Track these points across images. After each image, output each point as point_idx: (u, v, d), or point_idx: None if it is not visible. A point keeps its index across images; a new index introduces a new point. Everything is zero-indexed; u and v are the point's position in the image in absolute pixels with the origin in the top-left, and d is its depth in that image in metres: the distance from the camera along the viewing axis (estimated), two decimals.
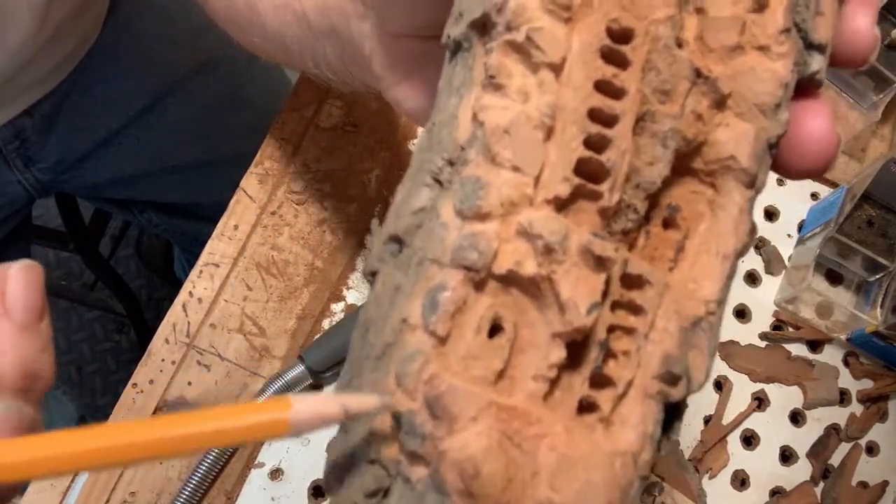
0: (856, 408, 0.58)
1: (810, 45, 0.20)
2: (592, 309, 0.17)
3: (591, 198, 0.18)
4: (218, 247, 0.53)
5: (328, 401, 0.18)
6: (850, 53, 0.21)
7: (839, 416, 0.57)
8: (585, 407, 0.18)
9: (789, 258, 0.61)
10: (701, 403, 0.56)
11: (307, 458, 0.50)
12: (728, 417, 0.56)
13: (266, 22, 0.36)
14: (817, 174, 0.21)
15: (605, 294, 0.18)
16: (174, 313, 0.52)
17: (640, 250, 0.20)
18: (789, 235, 0.62)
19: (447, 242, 0.18)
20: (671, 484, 0.52)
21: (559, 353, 0.18)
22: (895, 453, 0.57)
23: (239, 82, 0.74)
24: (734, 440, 0.56)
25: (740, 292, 0.59)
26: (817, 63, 0.20)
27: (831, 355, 0.59)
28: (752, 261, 0.61)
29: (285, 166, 0.56)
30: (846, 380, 0.58)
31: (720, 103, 0.20)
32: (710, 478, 0.54)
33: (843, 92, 0.61)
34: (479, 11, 0.19)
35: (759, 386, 0.57)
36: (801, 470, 0.56)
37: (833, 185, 0.64)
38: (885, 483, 0.56)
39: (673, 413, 0.20)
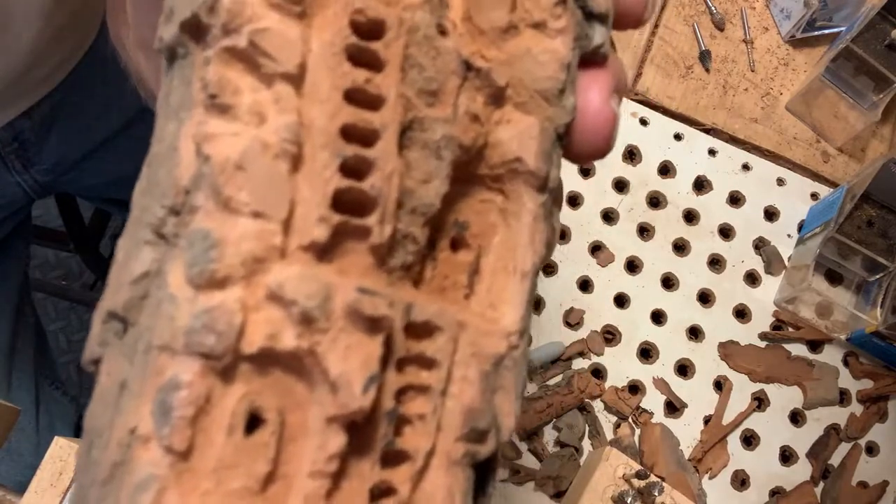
0: (856, 408, 0.58)
1: (591, 16, 0.17)
2: (370, 385, 0.14)
3: (359, 236, 0.15)
4: None
5: None
6: (586, 139, 0.18)
7: (839, 416, 0.57)
8: (380, 494, 0.15)
9: (789, 258, 0.61)
10: (701, 403, 0.56)
11: None
12: (728, 417, 0.56)
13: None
14: (597, 156, 0.18)
15: (385, 358, 0.15)
16: None
17: (428, 283, 0.16)
18: (789, 235, 0.62)
19: (177, 322, 0.14)
20: (671, 484, 0.52)
21: (338, 441, 0.14)
22: (895, 453, 0.57)
23: None
24: (734, 440, 0.56)
25: (740, 292, 0.59)
26: (600, 35, 0.18)
27: (831, 355, 0.59)
28: (752, 261, 0.61)
29: None
30: (846, 380, 0.58)
31: (498, 97, 0.17)
32: (710, 478, 0.54)
33: (843, 92, 0.61)
34: (189, 11, 0.15)
35: (759, 386, 0.57)
36: (801, 470, 0.56)
37: (833, 185, 0.64)
38: (885, 483, 0.56)
39: (485, 470, 0.17)
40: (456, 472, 0.15)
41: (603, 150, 0.18)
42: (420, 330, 0.15)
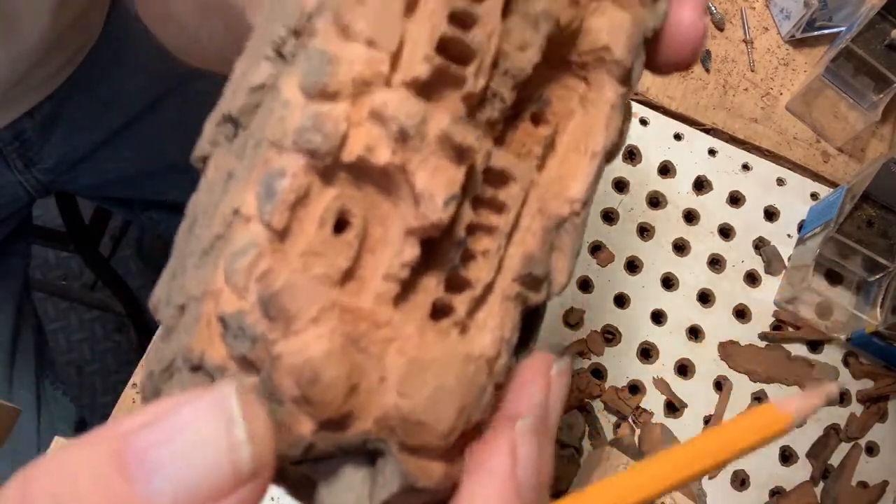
0: (856, 408, 0.58)
1: None
2: (450, 201, 0.16)
3: (454, 83, 0.16)
4: None
5: (810, 395, 0.18)
6: (675, 49, 0.20)
7: (839, 416, 0.57)
8: (440, 310, 0.16)
9: (789, 258, 0.61)
10: (701, 403, 0.56)
11: None
12: (728, 417, 0.56)
13: (176, 13, 0.38)
14: (683, 66, 0.20)
15: (465, 188, 0.16)
16: None
17: (507, 145, 0.18)
18: (789, 235, 0.62)
19: (288, 123, 0.15)
20: None
21: (412, 252, 0.16)
22: (895, 453, 0.57)
23: None
24: None
25: (740, 292, 0.59)
26: None
27: (831, 355, 0.59)
28: (752, 261, 0.61)
29: None
30: (846, 380, 0.58)
31: None
32: (710, 478, 0.54)
33: (843, 92, 0.61)
34: None
35: (759, 386, 0.57)
36: (801, 470, 0.56)
37: (833, 185, 0.64)
38: (885, 483, 0.56)
39: (532, 319, 0.18)
40: (508, 307, 0.17)
41: (689, 62, 0.20)
42: (496, 176, 0.17)
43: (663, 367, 0.57)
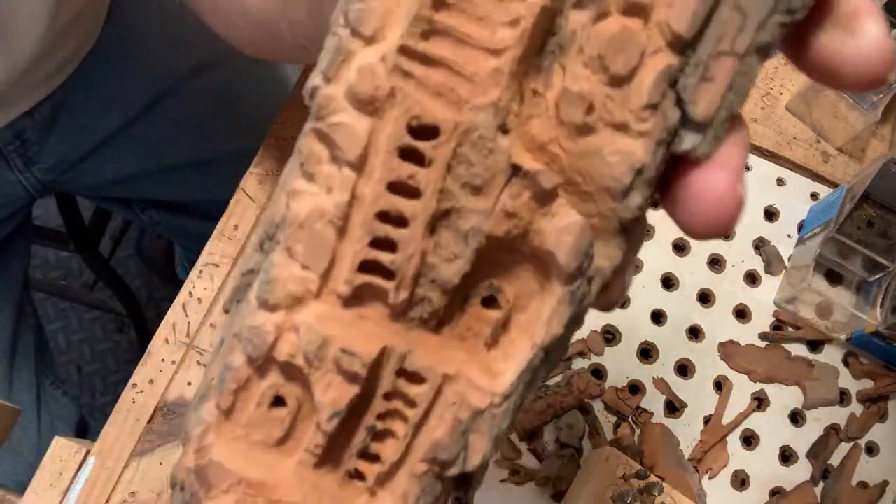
0: (856, 408, 0.58)
1: (687, 121, 0.18)
2: (333, 417, 0.19)
3: (379, 295, 0.19)
4: (218, 247, 0.53)
5: None
6: (703, 220, 0.18)
7: (839, 416, 0.57)
8: (354, 475, 0.20)
9: (789, 258, 0.61)
10: (701, 403, 0.56)
11: None
12: (728, 417, 0.56)
13: (252, 6, 0.37)
14: (714, 236, 0.18)
15: (363, 397, 0.19)
16: (174, 313, 0.52)
17: (452, 327, 0.20)
18: (789, 235, 0.62)
19: (242, 325, 0.19)
20: (671, 484, 0.52)
21: (318, 440, 0.19)
22: (895, 453, 0.57)
23: (238, 82, 0.74)
24: (734, 440, 0.56)
25: (740, 292, 0.59)
26: (691, 141, 0.18)
27: (831, 355, 0.59)
28: (752, 261, 0.61)
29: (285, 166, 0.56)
30: (846, 380, 0.58)
31: (545, 197, 0.18)
32: (710, 478, 0.54)
33: (843, 92, 0.61)
34: (311, 83, 0.18)
35: (758, 386, 0.57)
36: (801, 470, 0.56)
37: (833, 185, 0.64)
38: (885, 483, 0.56)
39: (467, 482, 0.20)
40: (415, 482, 0.19)
41: (721, 233, 0.18)
42: (410, 375, 0.19)
43: (663, 367, 0.57)
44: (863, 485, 0.56)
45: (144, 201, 0.81)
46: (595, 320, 0.57)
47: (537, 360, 0.19)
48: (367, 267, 0.18)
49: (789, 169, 0.64)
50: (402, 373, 0.19)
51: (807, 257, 0.58)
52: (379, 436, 0.19)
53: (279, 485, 0.19)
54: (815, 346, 0.59)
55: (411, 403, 0.19)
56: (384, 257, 0.18)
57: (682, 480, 0.53)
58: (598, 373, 0.56)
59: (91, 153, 0.70)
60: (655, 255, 0.59)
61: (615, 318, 0.57)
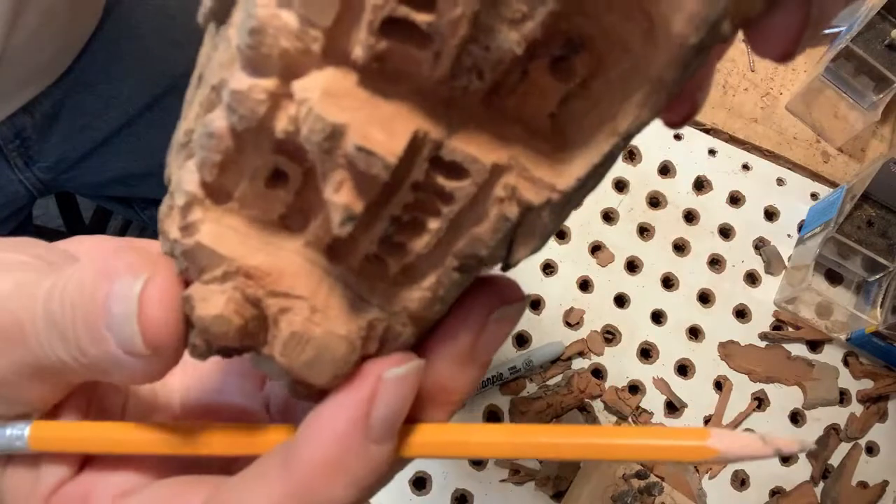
0: (856, 408, 0.58)
1: None
2: (347, 222, 0.15)
3: (409, 67, 0.14)
4: None
5: (754, 441, 0.17)
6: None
7: (839, 416, 0.57)
8: (373, 261, 0.17)
9: (789, 258, 0.61)
10: (701, 403, 0.56)
11: None
12: (728, 417, 0.56)
13: None
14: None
15: (389, 193, 0.15)
16: None
17: (505, 98, 0.15)
18: (789, 235, 0.62)
19: (226, 79, 0.15)
20: (671, 484, 0.52)
21: (328, 232, 0.16)
22: (895, 453, 0.57)
23: None
24: None
25: (740, 292, 0.59)
26: None
27: (831, 355, 0.59)
28: (752, 261, 0.61)
29: None
30: (846, 380, 0.58)
31: None
32: (710, 478, 0.54)
33: (843, 92, 0.61)
34: None
35: (759, 386, 0.57)
36: (801, 470, 0.56)
37: (833, 185, 0.64)
38: (885, 483, 0.56)
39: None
40: (445, 275, 0.16)
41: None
42: (448, 166, 0.15)
43: (663, 367, 0.57)
44: (863, 485, 0.56)
45: (145, 200, 0.81)
46: (595, 320, 0.57)
47: (618, 151, 0.15)
48: (392, 28, 0.13)
49: (789, 169, 0.64)
50: (437, 162, 0.15)
51: (807, 257, 0.58)
52: (405, 227, 0.16)
53: (283, 273, 0.16)
54: (815, 346, 0.59)
55: (447, 198, 0.15)
56: (419, 17, 0.13)
57: (682, 480, 0.53)
58: (598, 373, 0.56)
59: (91, 152, 0.70)
60: (655, 255, 0.59)
61: (615, 318, 0.57)
